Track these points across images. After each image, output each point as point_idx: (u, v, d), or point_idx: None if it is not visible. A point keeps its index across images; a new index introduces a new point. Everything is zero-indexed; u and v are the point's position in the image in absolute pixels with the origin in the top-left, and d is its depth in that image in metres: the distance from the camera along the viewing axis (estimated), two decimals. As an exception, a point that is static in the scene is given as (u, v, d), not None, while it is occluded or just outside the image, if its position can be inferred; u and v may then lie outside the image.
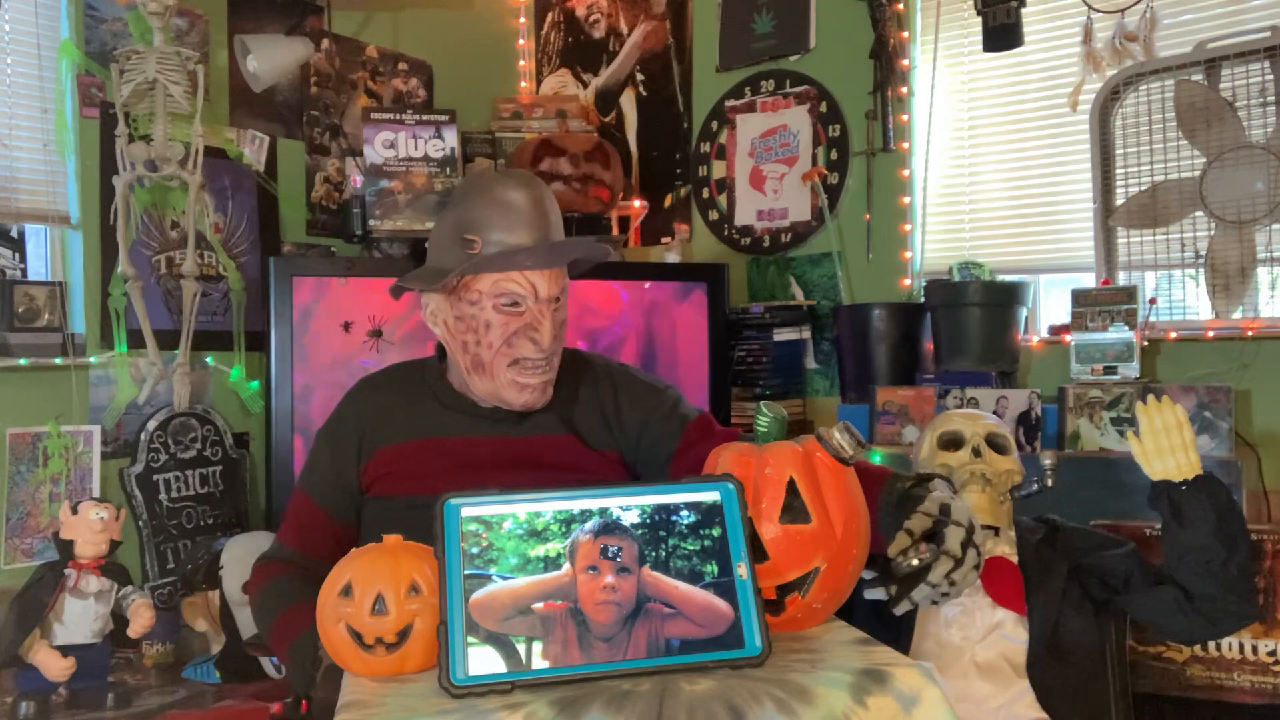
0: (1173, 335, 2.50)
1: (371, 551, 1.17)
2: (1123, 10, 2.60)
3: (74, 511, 2.14)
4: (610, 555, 1.10)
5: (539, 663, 1.03)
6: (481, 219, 1.54)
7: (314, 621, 1.18)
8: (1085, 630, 1.71)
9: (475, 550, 1.08)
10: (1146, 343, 2.48)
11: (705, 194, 3.47)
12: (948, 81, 2.99)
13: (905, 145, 3.02)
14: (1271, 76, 2.38)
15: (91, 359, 2.64)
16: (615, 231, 3.37)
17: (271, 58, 2.94)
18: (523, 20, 3.92)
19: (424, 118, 3.01)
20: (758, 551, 1.18)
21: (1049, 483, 1.79)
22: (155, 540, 2.68)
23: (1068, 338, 2.52)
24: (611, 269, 2.98)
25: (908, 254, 3.02)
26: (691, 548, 1.12)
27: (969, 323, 2.64)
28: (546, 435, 1.60)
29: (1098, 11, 2.64)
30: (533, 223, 1.53)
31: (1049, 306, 2.89)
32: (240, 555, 2.46)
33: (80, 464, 2.58)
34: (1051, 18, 2.78)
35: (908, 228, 3.02)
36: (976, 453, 1.76)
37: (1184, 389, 2.30)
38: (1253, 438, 2.38)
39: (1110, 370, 2.43)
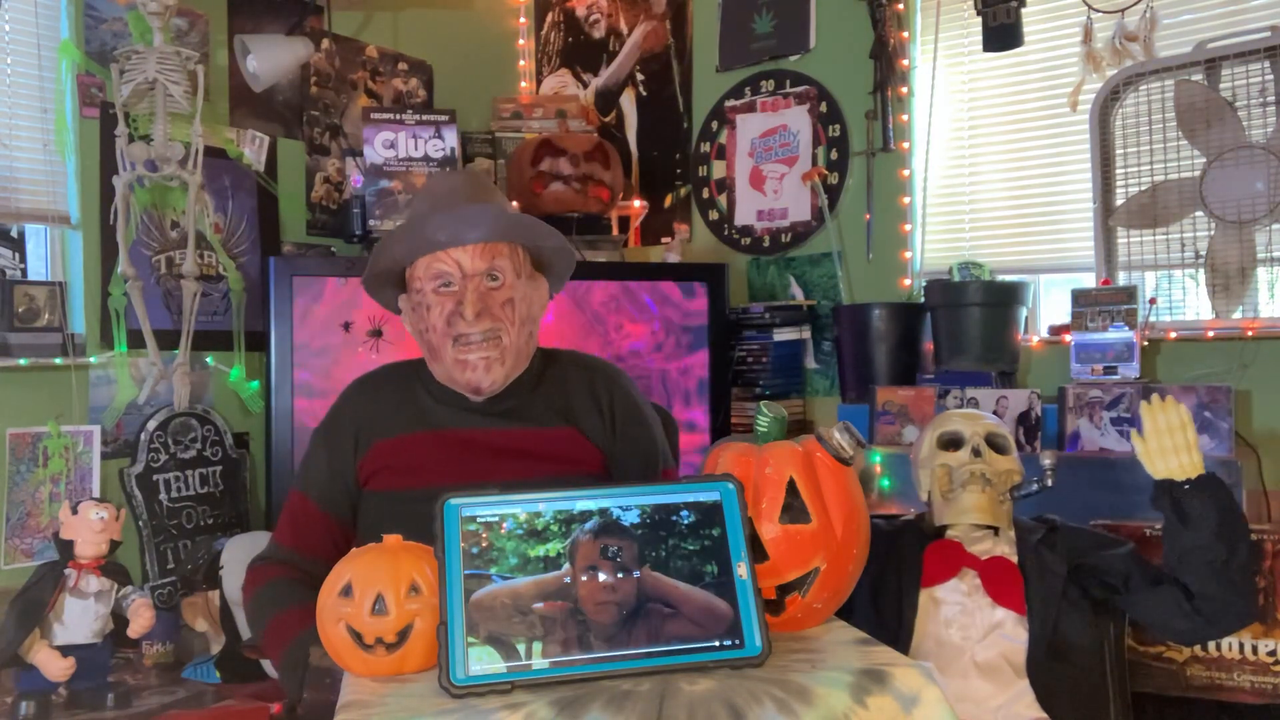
0: (1173, 335, 2.50)
1: (371, 551, 1.17)
2: (1123, 10, 2.60)
3: (74, 511, 2.14)
4: (610, 555, 1.10)
5: (539, 663, 1.03)
6: (411, 209, 1.68)
7: (306, 626, 1.18)
8: (1084, 630, 1.71)
9: (475, 550, 1.08)
10: (1146, 343, 2.47)
11: (705, 194, 3.47)
12: (948, 81, 2.99)
13: (905, 145, 3.02)
14: (1271, 76, 2.38)
15: (91, 359, 2.64)
16: (615, 231, 3.37)
17: (271, 58, 2.94)
18: (523, 20, 3.92)
19: (424, 118, 3.01)
20: (758, 551, 1.18)
21: (1049, 482, 1.79)
22: (155, 540, 2.68)
23: (1068, 338, 2.52)
24: (612, 269, 2.99)
25: (908, 254, 3.02)
26: (691, 548, 1.12)
27: (969, 323, 2.64)
28: (544, 429, 1.61)
29: (1098, 11, 2.64)
30: (450, 202, 1.55)
31: (1049, 306, 2.89)
32: (240, 555, 2.45)
33: (80, 464, 2.58)
34: (1051, 18, 2.78)
35: (908, 228, 3.02)
36: (976, 452, 1.76)
37: (1184, 389, 2.30)
38: (1253, 438, 2.38)
39: (1110, 370, 2.43)
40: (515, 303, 1.56)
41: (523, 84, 3.91)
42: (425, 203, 1.61)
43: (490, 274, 1.54)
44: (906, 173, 3.02)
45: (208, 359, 2.88)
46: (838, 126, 3.15)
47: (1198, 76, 2.48)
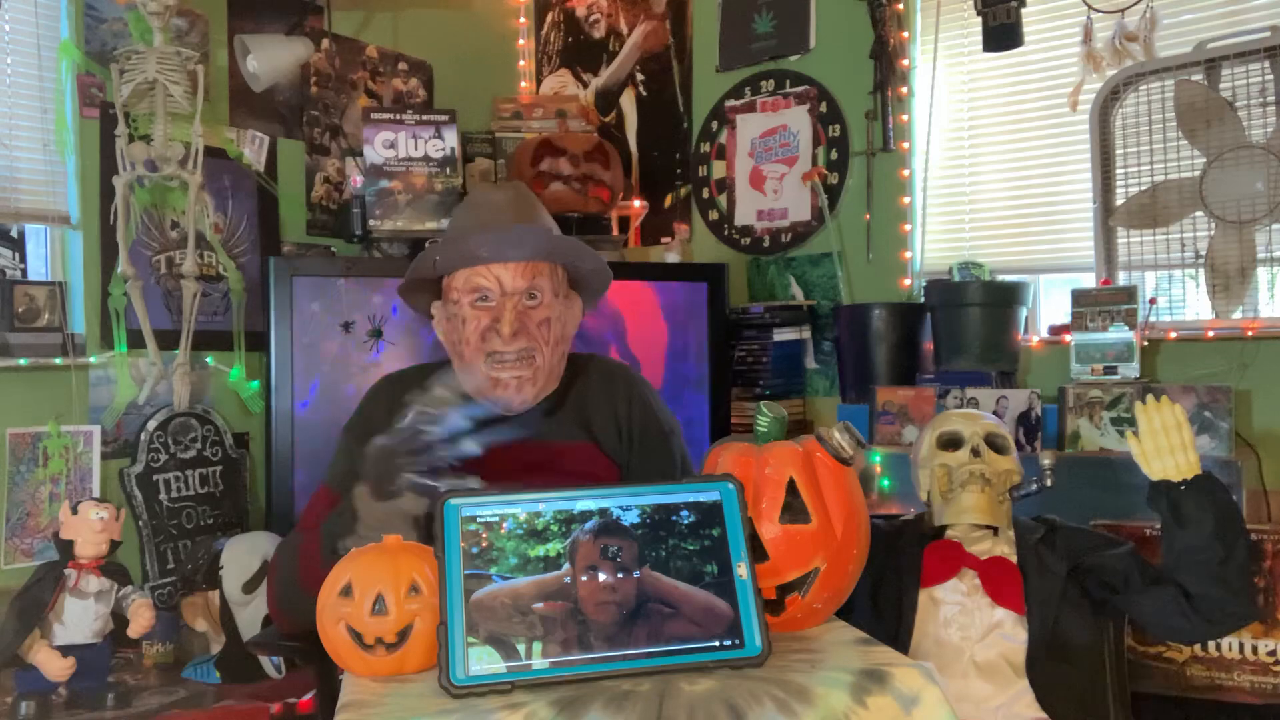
0: (1173, 335, 2.50)
1: (371, 551, 1.17)
2: (1123, 10, 2.60)
3: (74, 511, 2.14)
4: (610, 555, 1.10)
5: (539, 663, 1.03)
6: (455, 220, 1.67)
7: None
8: (1084, 630, 1.71)
9: (475, 550, 1.08)
10: (1146, 343, 2.48)
11: (705, 194, 3.47)
12: (948, 81, 2.99)
13: (905, 145, 3.02)
14: (1271, 76, 2.38)
15: (91, 359, 2.64)
16: (615, 231, 3.36)
17: (271, 58, 2.94)
18: (523, 20, 3.92)
19: (424, 118, 3.01)
20: (758, 551, 1.18)
21: (1048, 482, 1.79)
22: (155, 540, 2.68)
23: (1068, 338, 2.52)
24: (611, 269, 2.98)
25: (908, 254, 3.02)
26: (691, 548, 1.12)
27: (969, 323, 2.64)
28: (564, 442, 1.61)
29: (1098, 11, 2.64)
30: (497, 218, 1.56)
31: (1049, 306, 2.89)
32: (240, 555, 2.46)
33: (80, 464, 2.58)
34: (1051, 18, 2.78)
35: (908, 228, 3.02)
36: (975, 453, 1.76)
37: (1184, 389, 2.30)
38: (1253, 438, 2.38)
39: (1110, 370, 2.43)
40: (551, 323, 1.57)
41: (523, 84, 3.91)
42: (470, 216, 1.62)
43: (530, 293, 1.55)
44: (906, 173, 3.02)
45: (208, 359, 2.88)
46: (838, 126, 3.15)
47: (1198, 76, 2.48)
